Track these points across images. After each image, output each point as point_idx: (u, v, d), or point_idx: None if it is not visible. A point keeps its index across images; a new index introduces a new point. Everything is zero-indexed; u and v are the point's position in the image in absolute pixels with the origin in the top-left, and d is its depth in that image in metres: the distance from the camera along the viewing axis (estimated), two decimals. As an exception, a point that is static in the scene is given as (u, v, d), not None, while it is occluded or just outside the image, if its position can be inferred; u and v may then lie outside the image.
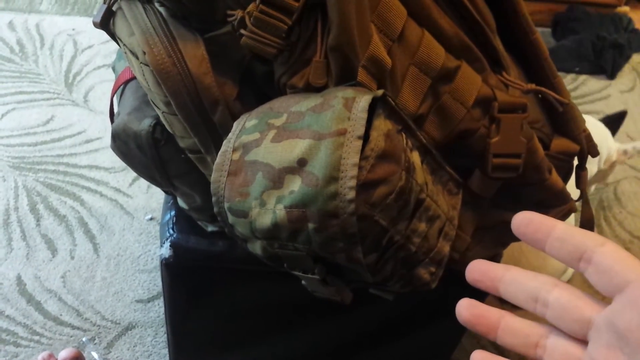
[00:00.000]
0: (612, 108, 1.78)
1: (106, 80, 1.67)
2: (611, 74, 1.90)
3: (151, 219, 1.33)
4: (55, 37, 1.79)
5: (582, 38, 1.91)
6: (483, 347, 1.16)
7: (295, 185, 0.44)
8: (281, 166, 0.45)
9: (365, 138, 0.45)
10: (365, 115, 0.44)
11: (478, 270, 0.37)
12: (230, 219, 0.49)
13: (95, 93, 1.62)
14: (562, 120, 0.60)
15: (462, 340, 1.13)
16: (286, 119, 0.47)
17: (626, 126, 1.73)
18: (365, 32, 0.48)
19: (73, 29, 1.82)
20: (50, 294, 1.17)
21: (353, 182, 0.43)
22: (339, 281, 0.52)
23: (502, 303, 1.22)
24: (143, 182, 1.40)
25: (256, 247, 0.51)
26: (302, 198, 0.44)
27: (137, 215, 1.33)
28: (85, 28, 1.82)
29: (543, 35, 1.98)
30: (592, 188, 1.35)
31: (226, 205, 0.49)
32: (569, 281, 1.28)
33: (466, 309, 0.36)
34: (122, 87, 0.68)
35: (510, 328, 0.35)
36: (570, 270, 1.26)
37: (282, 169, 0.45)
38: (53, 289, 1.18)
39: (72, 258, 1.24)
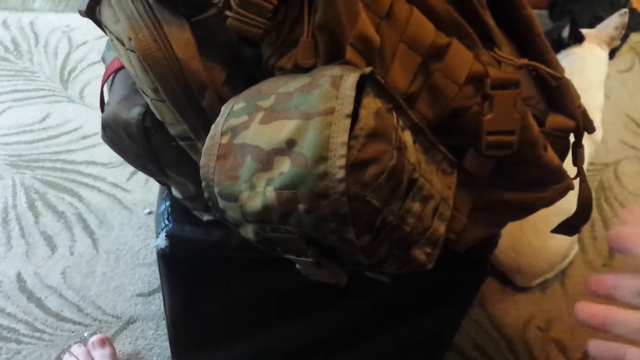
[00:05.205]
0: (611, 88, 1.76)
1: (101, 76, 1.66)
2: (610, 54, 1.88)
3: (150, 213, 1.32)
4: (49, 34, 1.79)
5: (579, 19, 1.89)
6: (485, 333, 1.15)
7: (284, 167, 0.44)
8: (270, 148, 0.45)
9: (355, 117, 0.44)
10: (352, 93, 0.43)
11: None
12: (221, 203, 0.49)
13: (90, 89, 1.62)
14: (557, 96, 0.59)
15: (464, 324, 1.13)
16: (274, 100, 0.47)
17: (626, 106, 1.72)
18: (353, 9, 0.47)
19: (67, 26, 1.81)
20: (51, 291, 1.17)
21: (342, 162, 0.42)
22: (334, 264, 0.52)
23: (504, 285, 1.22)
24: (141, 177, 1.39)
25: (248, 232, 0.51)
26: (291, 179, 0.43)
27: (135, 210, 1.33)
28: (79, 24, 1.81)
29: (540, 17, 1.96)
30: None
31: (216, 189, 0.48)
32: (570, 264, 1.27)
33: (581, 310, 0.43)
34: (111, 76, 0.68)
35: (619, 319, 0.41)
36: (572, 254, 1.25)
37: (271, 151, 0.45)
38: (53, 285, 1.18)
39: (72, 254, 1.24)
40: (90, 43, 1.76)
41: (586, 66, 1.33)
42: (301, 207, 0.44)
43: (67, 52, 1.73)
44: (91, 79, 1.65)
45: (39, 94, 1.60)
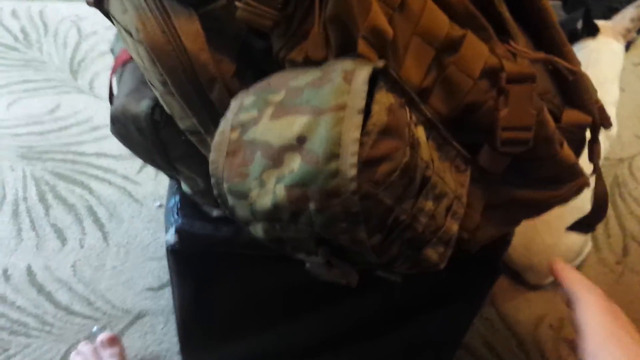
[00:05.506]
0: (626, 81, 1.73)
1: (111, 67, 1.65)
2: (625, 46, 1.85)
3: (160, 205, 1.32)
4: (58, 24, 1.78)
5: (593, 11, 1.86)
6: (496, 331, 1.14)
7: (295, 164, 0.43)
8: (280, 144, 0.44)
9: (367, 113, 0.43)
10: (365, 88, 0.42)
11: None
12: (230, 200, 0.48)
13: (100, 79, 1.61)
14: (573, 90, 0.58)
15: (474, 321, 1.12)
16: (284, 95, 0.46)
17: (639, 99, 1.70)
18: (365, 0, 0.45)
19: (76, 15, 1.81)
20: (61, 284, 1.17)
21: (354, 159, 0.41)
22: (345, 263, 0.51)
23: (516, 283, 1.20)
24: (151, 169, 1.39)
25: (258, 230, 0.50)
26: (302, 177, 0.42)
27: (145, 203, 1.33)
28: (88, 14, 1.81)
29: (554, 9, 1.94)
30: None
31: (225, 186, 0.47)
32: (584, 262, 1.26)
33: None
34: (120, 68, 0.67)
35: None
36: (586, 251, 1.24)
37: (282, 147, 0.44)
38: (63, 278, 1.18)
39: (82, 247, 1.23)
40: (99, 33, 1.75)
41: (601, 59, 1.31)
42: (312, 205, 0.43)
43: (76, 42, 1.72)
44: (101, 69, 1.65)
45: (48, 84, 1.59)
